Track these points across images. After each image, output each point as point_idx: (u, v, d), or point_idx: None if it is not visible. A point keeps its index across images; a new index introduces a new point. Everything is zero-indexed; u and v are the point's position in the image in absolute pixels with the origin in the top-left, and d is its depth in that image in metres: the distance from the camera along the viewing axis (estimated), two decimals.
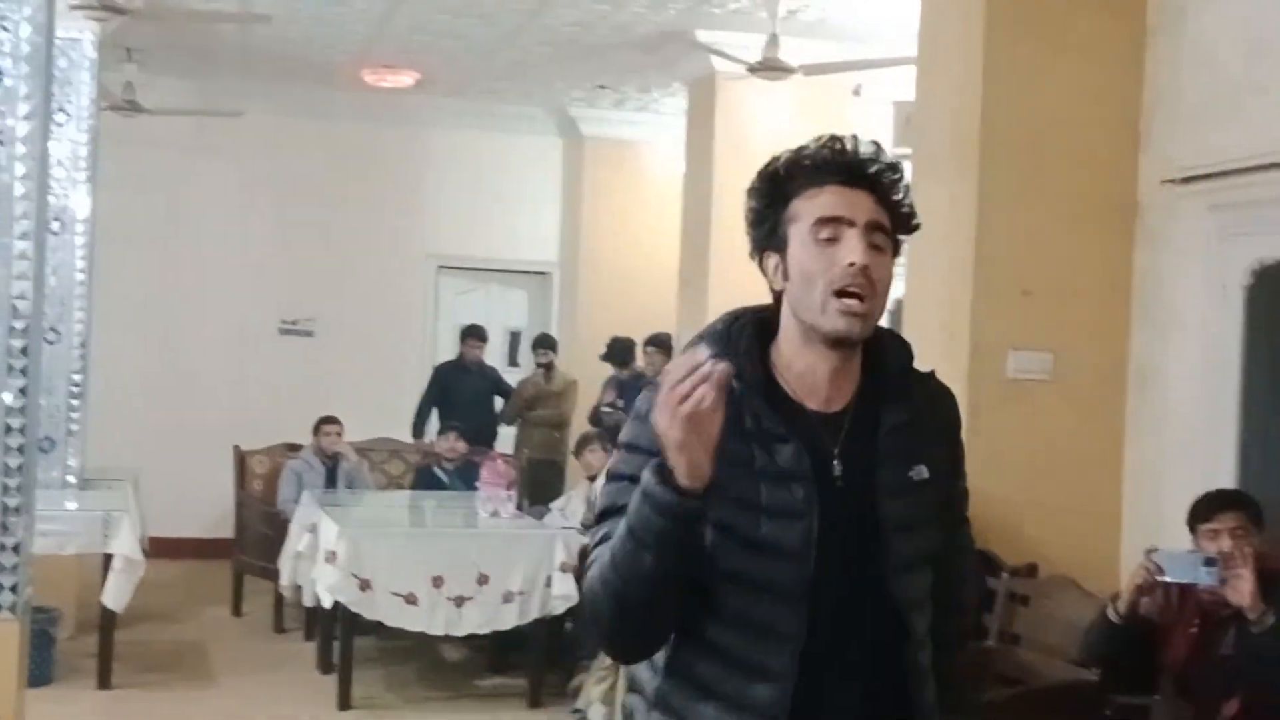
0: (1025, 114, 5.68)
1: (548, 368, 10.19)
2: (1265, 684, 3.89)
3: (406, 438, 9.88)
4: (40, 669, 6.50)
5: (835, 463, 2.04)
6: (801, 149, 2.08)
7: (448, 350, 11.51)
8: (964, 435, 2.26)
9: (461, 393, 10.03)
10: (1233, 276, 5.30)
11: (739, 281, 9.89)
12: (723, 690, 2.01)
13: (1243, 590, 3.87)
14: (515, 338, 11.85)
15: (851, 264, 1.99)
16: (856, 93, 8.69)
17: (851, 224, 2.01)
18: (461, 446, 8.69)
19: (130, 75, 9.33)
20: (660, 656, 2.08)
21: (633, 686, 2.16)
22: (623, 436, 2.13)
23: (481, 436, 9.45)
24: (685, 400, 1.82)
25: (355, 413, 9.30)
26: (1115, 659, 4.21)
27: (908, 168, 6.54)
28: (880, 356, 2.12)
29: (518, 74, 9.84)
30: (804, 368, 2.07)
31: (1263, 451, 5.19)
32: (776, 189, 2.07)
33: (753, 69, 7.70)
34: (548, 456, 9.97)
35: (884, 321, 2.14)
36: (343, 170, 11.00)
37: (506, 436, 10.30)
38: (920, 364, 2.18)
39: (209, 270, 10.74)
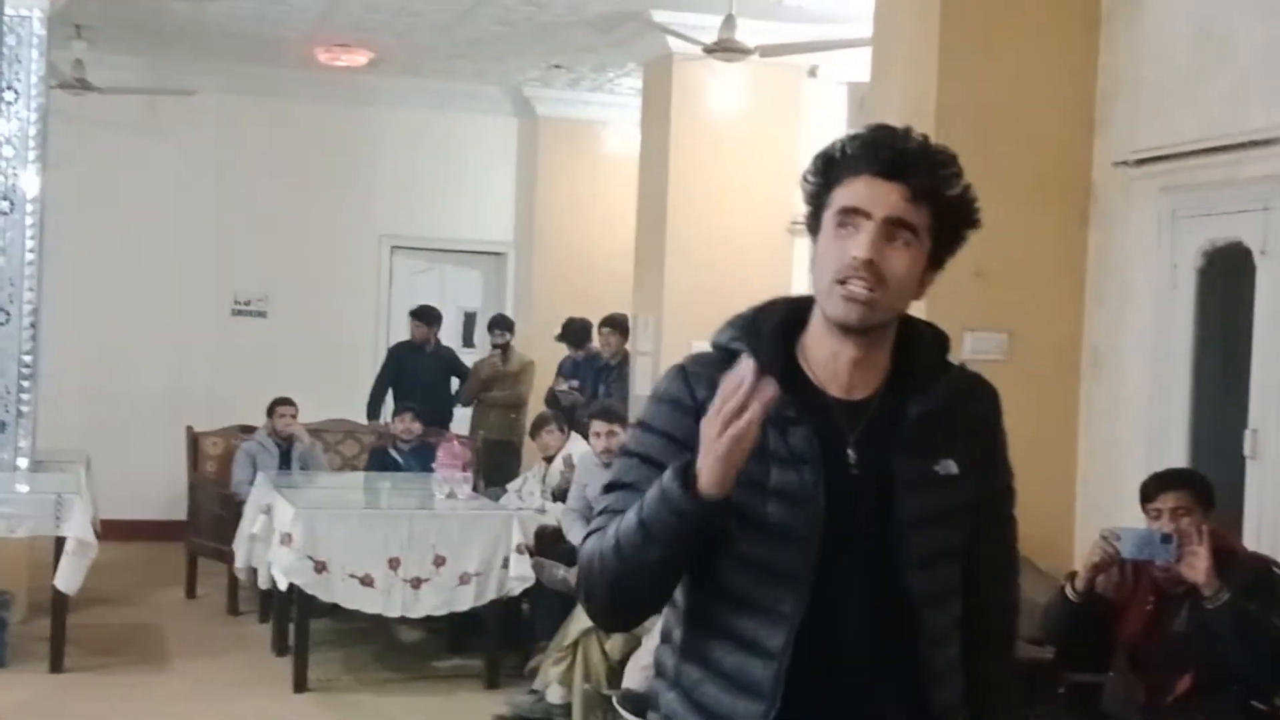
0: (979, 97, 5.71)
1: (504, 349, 10.17)
2: (1217, 659, 3.96)
3: (361, 419, 9.84)
4: None
5: (850, 450, 2.03)
6: (855, 134, 2.07)
7: (401, 331, 11.45)
8: None
9: (416, 374, 9.99)
10: (1184, 258, 5.36)
11: (695, 262, 9.93)
12: (725, 668, 2.03)
13: (1198, 567, 3.92)
14: (470, 318, 11.82)
15: (854, 258, 1.97)
16: (812, 74, 8.71)
17: (869, 216, 1.99)
18: (416, 427, 8.66)
19: (80, 53, 9.23)
20: (677, 635, 2.10)
21: (657, 671, 2.17)
22: (638, 414, 2.16)
23: (437, 418, 9.42)
24: (737, 415, 1.83)
25: (309, 393, 9.25)
26: (1073, 637, 4.26)
27: None
28: (913, 348, 2.11)
29: (472, 53, 9.80)
30: (827, 354, 2.07)
31: (1214, 431, 5.25)
32: (827, 172, 2.06)
33: (709, 50, 7.70)
34: (504, 437, 9.95)
35: None
36: (296, 150, 10.92)
37: (462, 417, 10.27)
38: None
39: (161, 251, 10.63)
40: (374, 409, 10.00)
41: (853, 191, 2.00)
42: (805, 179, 2.08)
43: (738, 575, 2.02)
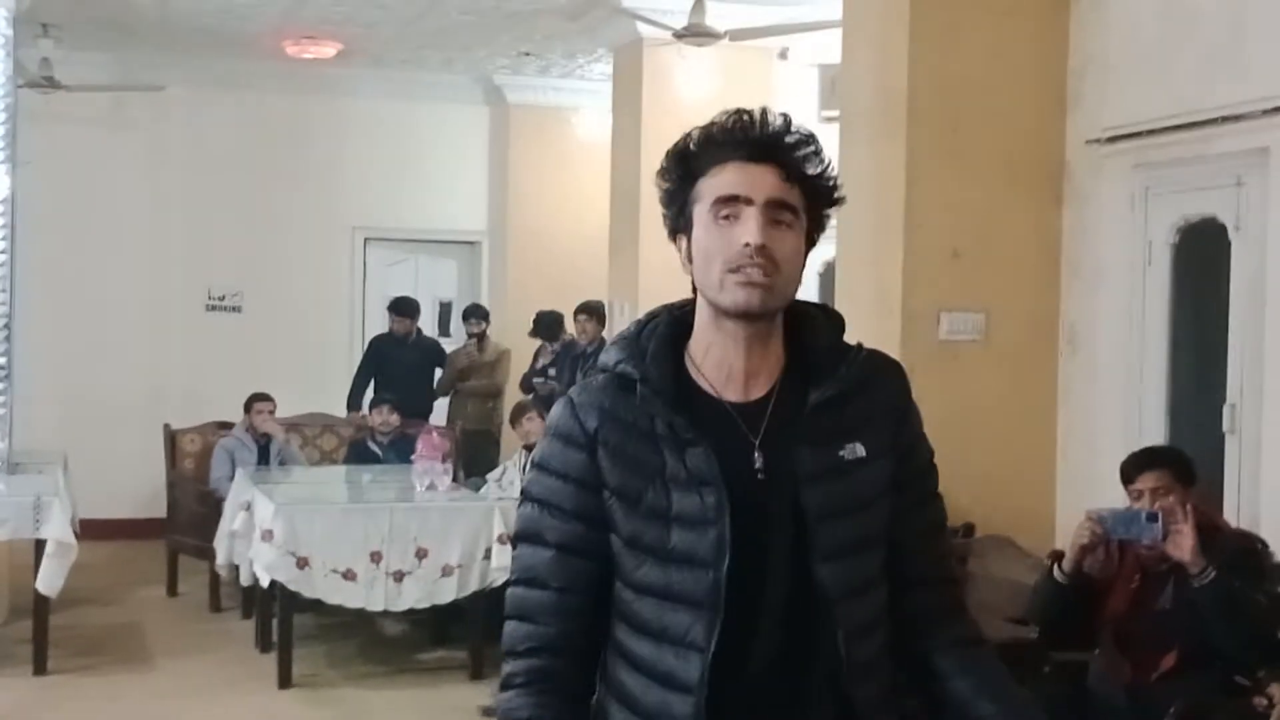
0: (951, 77, 5.72)
1: (480, 338, 10.15)
2: (1201, 636, 3.98)
3: (339, 412, 9.80)
4: None
5: (756, 454, 1.96)
6: (708, 125, 2.00)
7: (376, 323, 11.42)
8: None
9: (396, 366, 9.95)
10: (1158, 234, 5.39)
11: (669, 250, 9.91)
12: (645, 703, 1.97)
13: (1184, 545, 3.93)
14: (445, 308, 11.77)
15: (747, 244, 1.91)
16: (783, 56, 8.70)
17: (750, 202, 1.92)
18: (394, 420, 8.64)
19: (47, 51, 9.16)
20: (608, 670, 2.04)
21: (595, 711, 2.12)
22: (535, 454, 2.09)
23: (419, 409, 9.40)
24: None
25: (286, 388, 9.21)
26: (1061, 618, 4.26)
27: (834, 132, 6.58)
28: (807, 334, 2.03)
29: (441, 42, 9.76)
30: (719, 355, 2.00)
31: (1192, 407, 5.28)
32: (685, 168, 1.99)
33: (679, 34, 7.69)
34: (482, 427, 9.93)
35: (813, 286, 2.10)
36: (266, 143, 10.86)
37: (439, 408, 10.25)
38: (855, 331, 2.10)
39: (133, 248, 10.56)
40: (354, 401, 9.95)
41: (725, 180, 1.95)
42: (660, 179, 2.02)
43: (645, 606, 1.96)
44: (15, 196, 7.55)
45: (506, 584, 6.67)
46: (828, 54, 7.38)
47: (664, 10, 7.88)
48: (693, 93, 8.57)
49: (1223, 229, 5.08)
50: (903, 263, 5.64)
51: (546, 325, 9.76)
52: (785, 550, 1.94)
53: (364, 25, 9.15)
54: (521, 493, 2.10)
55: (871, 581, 2.00)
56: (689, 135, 2.01)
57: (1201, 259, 5.25)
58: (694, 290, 2.03)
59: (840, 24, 6.37)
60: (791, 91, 8.63)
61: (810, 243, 1.99)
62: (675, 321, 2.04)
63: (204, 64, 10.38)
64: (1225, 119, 4.99)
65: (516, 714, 2.00)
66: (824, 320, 2.06)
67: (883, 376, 2.07)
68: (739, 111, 1.99)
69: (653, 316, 2.07)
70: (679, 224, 2.01)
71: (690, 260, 2.00)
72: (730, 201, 1.93)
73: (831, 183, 2.00)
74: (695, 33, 7.62)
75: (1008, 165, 5.79)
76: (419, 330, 10.33)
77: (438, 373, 10.22)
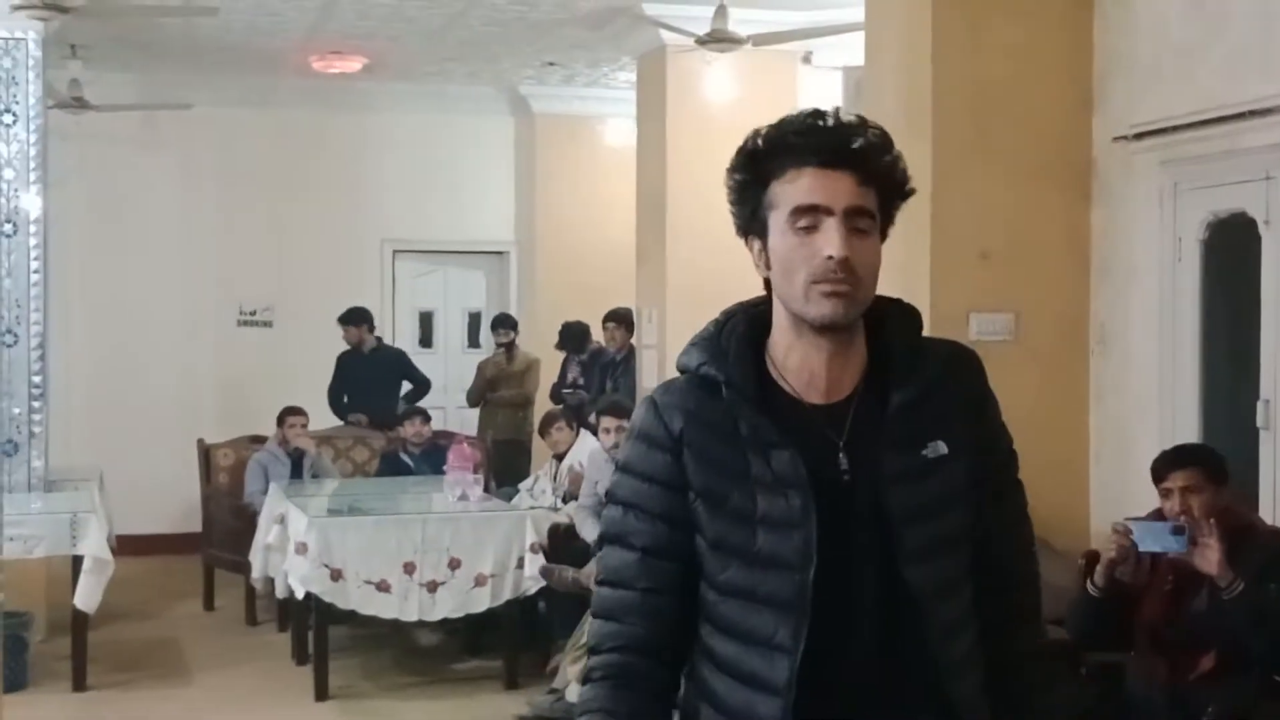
0: (976, 77, 5.70)
1: (508, 347, 10.17)
2: (1238, 640, 3.95)
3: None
4: (15, 674, 6.48)
5: (841, 456, 1.96)
6: (781, 124, 1.96)
7: (407, 334, 11.49)
8: None
9: (358, 378, 9.77)
10: (1188, 231, 5.35)
11: (696, 255, 9.90)
12: (731, 703, 1.98)
13: (1210, 559, 3.90)
14: (475, 319, 11.81)
15: (830, 256, 1.90)
16: (807, 60, 8.69)
17: (830, 212, 1.91)
18: (426, 431, 8.67)
19: (76, 72, 9.22)
20: (697, 671, 2.04)
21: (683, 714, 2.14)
22: (620, 456, 2.10)
23: (383, 420, 9.30)
24: None
25: (318, 401, 9.27)
26: (1100, 630, 4.23)
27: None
28: (886, 332, 2.03)
29: (466, 54, 9.79)
30: (800, 359, 1.99)
31: (1226, 404, 5.24)
32: (757, 167, 1.96)
33: (701, 41, 7.69)
34: (512, 437, 9.94)
35: None
36: (294, 158, 10.91)
37: (470, 418, 10.27)
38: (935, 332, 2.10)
39: (164, 265, 10.63)
40: (338, 414, 9.78)
41: (803, 188, 1.92)
42: (732, 176, 1.99)
43: (731, 607, 1.97)
44: (48, 216, 7.62)
45: (540, 593, 6.65)
46: (852, 57, 7.36)
47: (687, 17, 7.88)
48: (717, 98, 8.58)
49: (1253, 224, 5.04)
50: (931, 264, 5.62)
51: (573, 337, 9.77)
52: (873, 552, 1.95)
53: (389, 39, 9.19)
54: (607, 494, 2.12)
55: (960, 580, 2.01)
56: (757, 133, 1.98)
57: (1232, 254, 5.21)
58: (766, 287, 2.02)
59: (863, 27, 6.36)
60: (816, 95, 8.62)
61: (883, 237, 2.00)
62: (753, 321, 2.03)
63: (231, 81, 10.45)
64: (1253, 113, 4.95)
65: (590, 704, 2.03)
66: (901, 317, 2.06)
67: (961, 370, 2.08)
68: (814, 113, 1.96)
69: (730, 316, 2.06)
70: (751, 226, 1.99)
71: (767, 265, 1.99)
72: (809, 211, 1.91)
73: (905, 177, 1.99)
74: (718, 38, 7.62)
75: (1035, 165, 5.76)
76: (379, 340, 10.08)
77: (406, 384, 10.01)
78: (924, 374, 2.00)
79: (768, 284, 2.01)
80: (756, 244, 1.99)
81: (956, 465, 1.99)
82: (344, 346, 9.84)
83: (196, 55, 9.72)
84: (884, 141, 1.97)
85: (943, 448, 1.98)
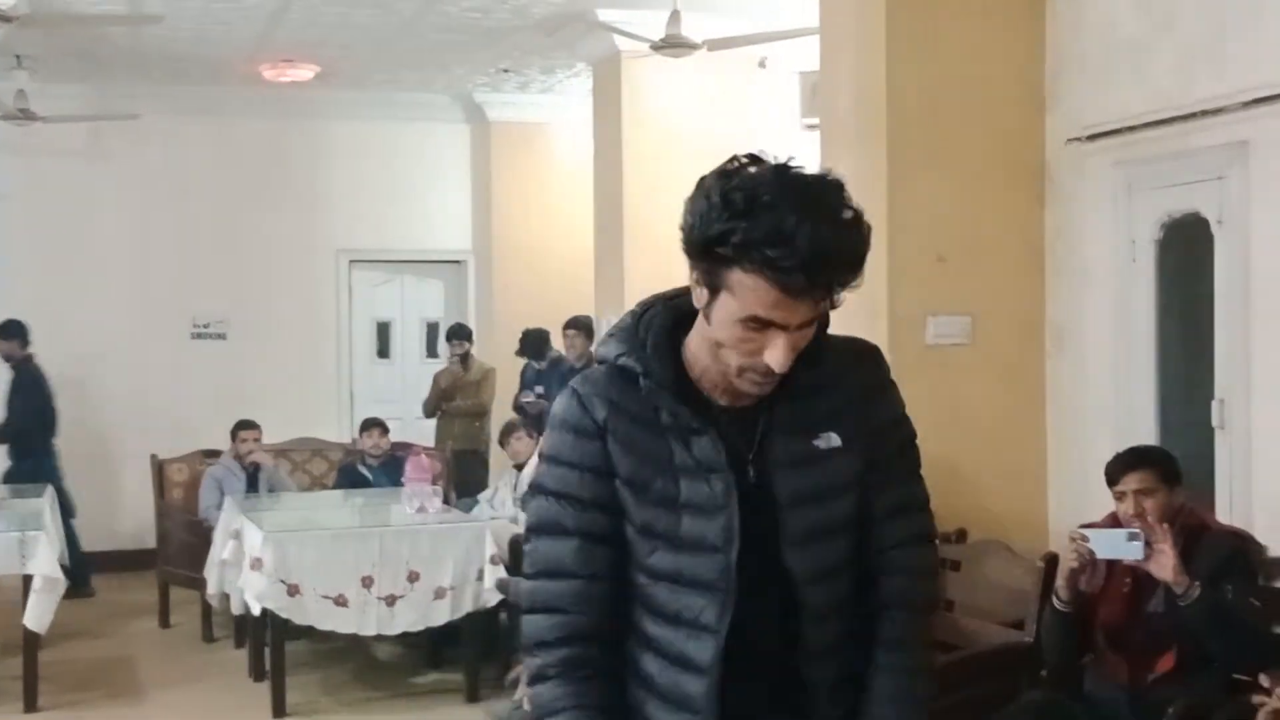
0: (929, 80, 5.69)
1: (464, 358, 10.11)
2: (1197, 640, 3.95)
3: (327, 436, 9.75)
4: None
5: (749, 468, 2.01)
6: (750, 209, 1.81)
7: (364, 345, 11.40)
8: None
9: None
10: (1142, 231, 5.36)
11: (655, 258, 9.81)
12: (662, 684, 2.04)
13: (1166, 565, 3.90)
14: (433, 329, 11.74)
15: (770, 366, 1.91)
16: (762, 65, 8.68)
17: (783, 328, 1.88)
18: (385, 443, 8.60)
19: (22, 83, 9.12)
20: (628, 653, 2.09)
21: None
22: (544, 447, 2.12)
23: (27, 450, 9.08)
24: None
25: (274, 413, 9.17)
26: (1074, 642, 4.22)
27: (815, 139, 6.53)
28: None
29: (418, 62, 9.73)
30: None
31: (1181, 403, 5.25)
32: (729, 238, 1.84)
33: (656, 46, 7.65)
34: (470, 447, 9.88)
35: None
36: (246, 168, 10.82)
37: (427, 429, 10.20)
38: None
39: (116, 278, 10.52)
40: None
41: (763, 300, 1.84)
42: (690, 213, 1.87)
43: (659, 590, 2.03)
44: None
45: (501, 604, 6.57)
46: (808, 61, 7.35)
47: (640, 22, 7.85)
48: (673, 104, 8.56)
49: (1206, 224, 5.05)
50: (888, 268, 5.60)
51: (533, 344, 9.73)
52: (760, 536, 2.00)
53: (340, 47, 9.12)
54: (533, 487, 2.13)
55: (839, 567, 2.05)
56: (735, 190, 1.83)
57: (1185, 254, 5.22)
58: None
59: (818, 31, 6.34)
60: (773, 100, 8.62)
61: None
62: (672, 312, 2.06)
63: (180, 91, 10.35)
64: (1205, 113, 4.96)
65: (557, 704, 2.03)
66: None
67: (861, 364, 2.11)
68: (801, 215, 1.80)
69: (648, 307, 2.09)
70: (700, 265, 1.90)
71: (706, 310, 1.93)
72: (763, 321, 1.88)
73: (866, 253, 1.89)
74: (672, 44, 7.58)
75: (989, 167, 5.76)
76: (29, 357, 9.31)
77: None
78: (821, 368, 2.01)
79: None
80: (701, 284, 1.92)
81: (849, 456, 2.04)
82: (309, 359, 9.74)
83: (144, 65, 9.63)
84: (859, 245, 1.87)
85: (835, 439, 2.03)
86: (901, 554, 2.12)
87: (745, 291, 1.86)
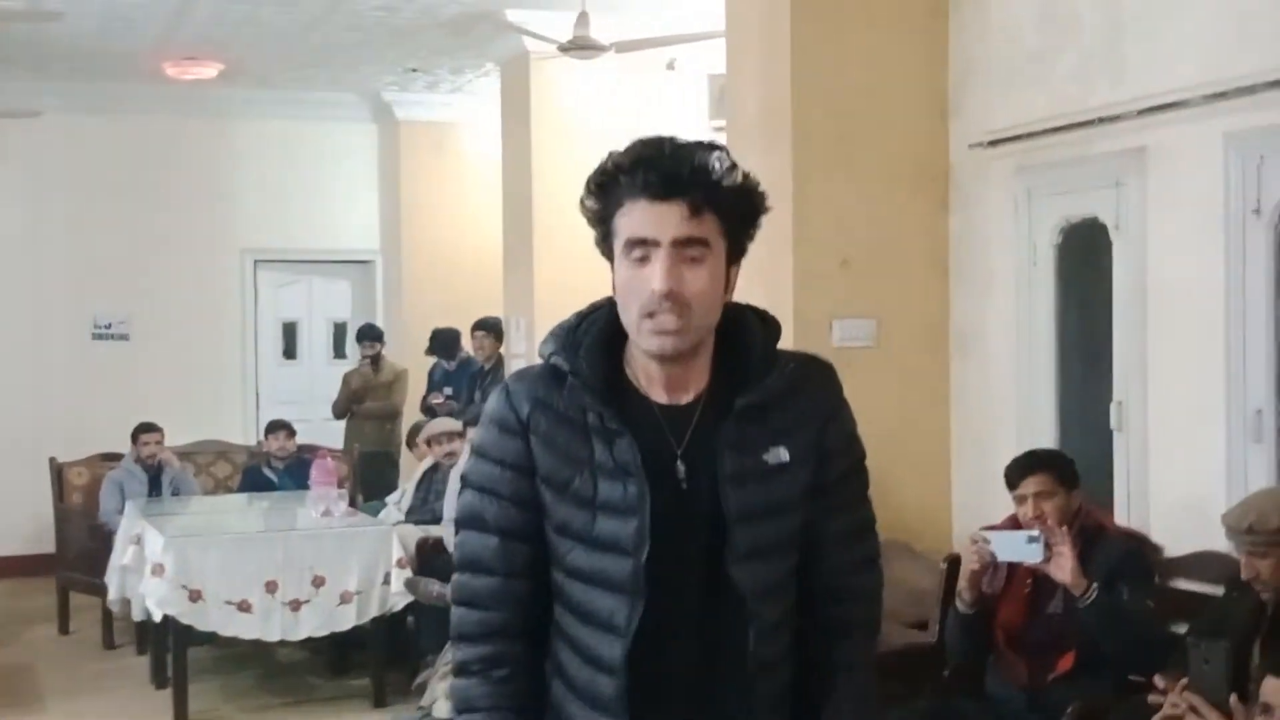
0: (834, 85, 5.72)
1: (374, 359, 10.03)
2: (1095, 641, 4.01)
3: (232, 439, 9.63)
4: None
5: (679, 461, 2.02)
6: (614, 156, 2.00)
7: (269, 345, 11.27)
8: None
9: None
10: (1042, 236, 5.43)
11: (564, 260, 9.83)
12: (579, 681, 2.05)
13: (1064, 568, 3.97)
14: (340, 329, 11.63)
15: (654, 290, 1.94)
16: (671, 67, 8.68)
17: (657, 244, 1.94)
18: (291, 445, 8.51)
19: None
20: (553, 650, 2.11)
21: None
22: (473, 441, 2.15)
23: None
24: None
25: (178, 416, 9.04)
26: (977, 644, 4.27)
27: (723, 142, 6.54)
28: (741, 338, 2.07)
29: (325, 60, 9.63)
30: (642, 366, 2.05)
31: (1081, 406, 5.33)
32: (603, 195, 2.00)
33: (564, 48, 7.64)
34: (380, 449, 9.81)
35: None
36: (149, 167, 10.66)
37: (336, 430, 10.10)
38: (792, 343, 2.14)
39: (13, 277, 10.32)
40: None
41: (633, 220, 1.96)
42: (583, 203, 2.02)
43: (575, 589, 2.05)
44: None
45: (408, 609, 6.52)
46: (716, 64, 7.36)
47: (549, 23, 7.83)
48: (582, 105, 8.55)
49: (1104, 229, 5.13)
50: (793, 272, 5.63)
51: (444, 343, 9.67)
52: (703, 548, 2.01)
53: (245, 44, 9.01)
54: (461, 479, 2.15)
55: (785, 583, 2.08)
56: (607, 159, 2.00)
57: (1085, 259, 5.30)
58: None
59: (725, 34, 6.36)
60: (681, 102, 8.63)
61: (737, 257, 2.03)
62: (615, 316, 2.06)
63: (81, 88, 10.17)
64: (1103, 120, 5.04)
65: (476, 704, 2.07)
66: (759, 326, 2.09)
67: (813, 381, 2.12)
68: (641, 143, 1.98)
69: (595, 309, 2.10)
70: (604, 249, 2.04)
71: (614, 286, 2.02)
72: (640, 244, 1.95)
73: (753, 194, 2.01)
74: (580, 45, 7.58)
75: (894, 173, 5.81)
76: None
77: None
78: (770, 384, 2.03)
79: None
80: (605, 254, 2.04)
81: (797, 473, 2.05)
82: (214, 361, 9.58)
83: (45, 62, 9.44)
84: (719, 163, 1.97)
85: (784, 455, 2.04)
86: (856, 580, 2.16)
87: (621, 224, 1.97)
